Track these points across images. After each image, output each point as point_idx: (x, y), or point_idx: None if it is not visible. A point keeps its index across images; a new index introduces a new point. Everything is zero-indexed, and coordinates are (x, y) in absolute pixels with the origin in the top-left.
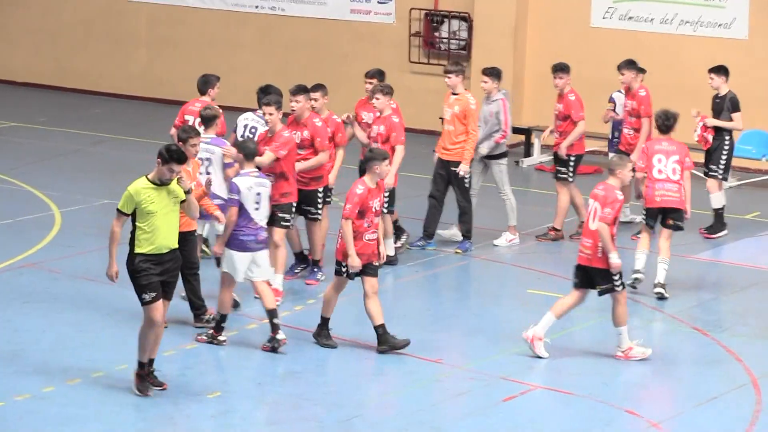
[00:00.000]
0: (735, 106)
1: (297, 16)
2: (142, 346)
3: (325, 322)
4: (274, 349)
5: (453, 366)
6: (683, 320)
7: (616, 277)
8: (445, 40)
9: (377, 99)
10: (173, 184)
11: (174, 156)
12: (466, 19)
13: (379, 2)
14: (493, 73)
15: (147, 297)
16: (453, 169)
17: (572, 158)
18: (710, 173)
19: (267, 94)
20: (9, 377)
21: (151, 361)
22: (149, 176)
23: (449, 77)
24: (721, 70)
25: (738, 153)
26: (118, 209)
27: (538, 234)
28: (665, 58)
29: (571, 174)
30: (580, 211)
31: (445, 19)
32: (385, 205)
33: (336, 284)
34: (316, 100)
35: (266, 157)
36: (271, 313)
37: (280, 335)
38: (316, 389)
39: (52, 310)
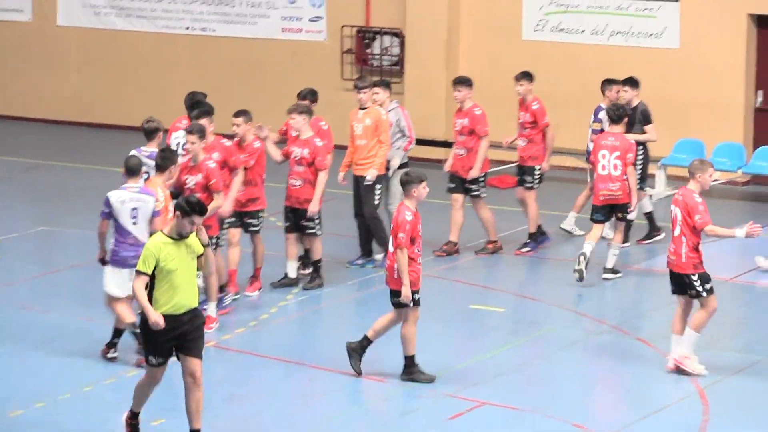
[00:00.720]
0: (647, 118)
1: (229, 37)
2: (138, 397)
3: (411, 360)
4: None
5: (396, 384)
6: (627, 332)
7: (698, 283)
8: (377, 56)
9: (293, 119)
10: (191, 238)
11: (195, 208)
12: (398, 34)
13: (310, 20)
14: (383, 83)
15: (153, 360)
16: (366, 183)
17: (481, 178)
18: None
19: (193, 110)
20: None
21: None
22: (165, 231)
23: (363, 92)
24: (632, 82)
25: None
26: (137, 270)
27: (477, 249)
28: (598, 69)
29: (483, 190)
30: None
31: (377, 36)
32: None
33: (413, 317)
34: (237, 125)
35: (239, 173)
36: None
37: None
38: (263, 412)
39: None
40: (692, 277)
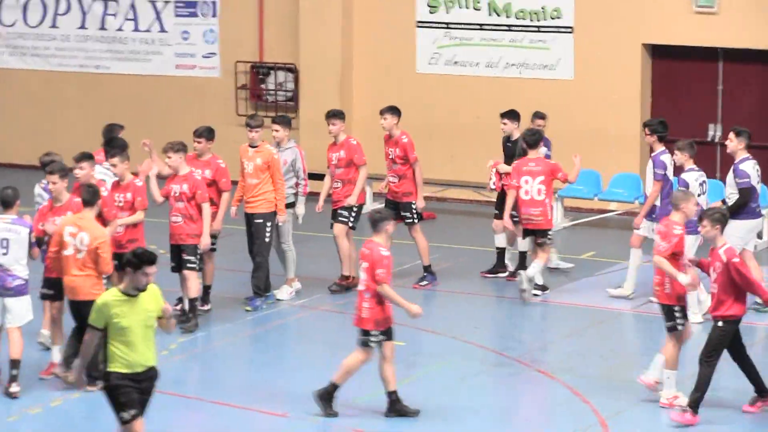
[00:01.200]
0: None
1: (122, 74)
2: None
3: (396, 395)
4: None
5: (300, 419)
6: (528, 363)
7: (678, 315)
8: (272, 92)
9: (169, 158)
10: (150, 292)
11: (144, 258)
12: (292, 69)
13: (203, 56)
14: (284, 121)
15: (127, 415)
16: (256, 221)
17: (355, 208)
18: (500, 215)
19: (109, 144)
20: None
21: None
22: (121, 286)
23: (255, 131)
24: (512, 115)
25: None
26: (89, 324)
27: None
28: (493, 101)
29: (353, 221)
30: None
31: (271, 71)
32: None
33: (389, 353)
34: (114, 165)
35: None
36: (13, 363)
37: (14, 388)
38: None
39: None
40: (670, 308)
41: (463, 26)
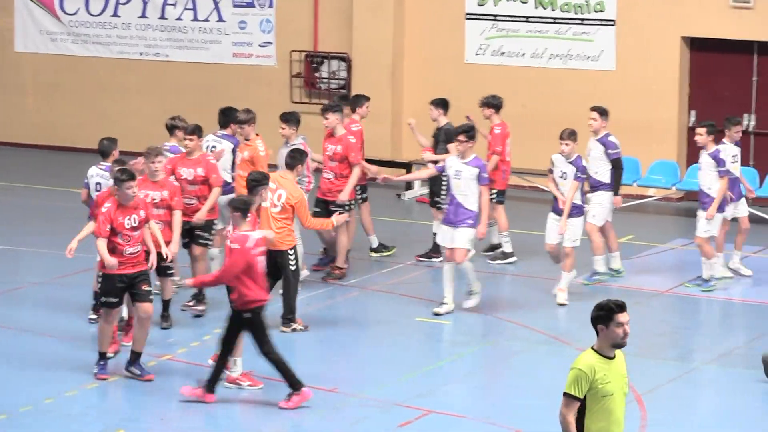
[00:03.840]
0: (449, 138)
1: (181, 62)
2: None
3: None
4: None
5: (348, 394)
6: (567, 341)
7: None
8: (325, 80)
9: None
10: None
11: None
12: (344, 59)
13: (260, 45)
14: (291, 119)
15: None
16: None
17: (347, 204)
18: (434, 203)
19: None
20: None
21: None
22: (595, 346)
23: (242, 128)
24: (440, 103)
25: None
26: (566, 393)
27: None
28: (538, 91)
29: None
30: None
31: (325, 60)
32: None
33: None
34: (191, 140)
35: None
36: None
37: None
38: (219, 422)
39: None
40: None
41: (510, 18)
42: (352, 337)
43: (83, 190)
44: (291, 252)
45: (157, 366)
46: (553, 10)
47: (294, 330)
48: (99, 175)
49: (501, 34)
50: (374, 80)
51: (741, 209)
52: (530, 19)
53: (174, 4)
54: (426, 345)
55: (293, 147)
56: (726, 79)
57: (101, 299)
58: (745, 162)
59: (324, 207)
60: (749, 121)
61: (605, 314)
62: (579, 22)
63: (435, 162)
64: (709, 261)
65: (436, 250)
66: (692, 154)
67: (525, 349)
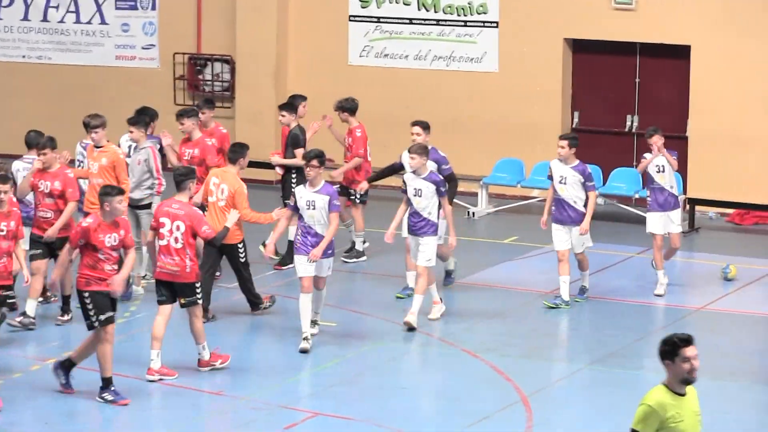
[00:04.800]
0: (296, 143)
1: (64, 64)
2: None
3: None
4: None
5: (234, 397)
6: (453, 343)
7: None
8: (209, 83)
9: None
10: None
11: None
12: (228, 61)
13: (143, 48)
14: (139, 122)
15: None
16: None
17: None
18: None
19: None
20: None
21: None
22: (665, 381)
23: (96, 132)
24: (288, 107)
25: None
26: (633, 430)
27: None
28: (421, 92)
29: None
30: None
31: (209, 62)
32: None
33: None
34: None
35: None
36: None
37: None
38: (104, 427)
39: None
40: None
41: (393, 20)
42: (235, 341)
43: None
44: (240, 246)
45: (42, 369)
46: (436, 12)
47: (265, 308)
48: (24, 168)
49: (384, 36)
50: (258, 82)
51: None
52: (414, 21)
53: (56, 7)
54: (313, 347)
55: (236, 143)
56: (609, 80)
57: (100, 318)
58: (628, 163)
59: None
60: (632, 122)
61: (670, 349)
62: (462, 24)
63: (282, 166)
64: (585, 272)
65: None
66: (575, 155)
67: (411, 350)
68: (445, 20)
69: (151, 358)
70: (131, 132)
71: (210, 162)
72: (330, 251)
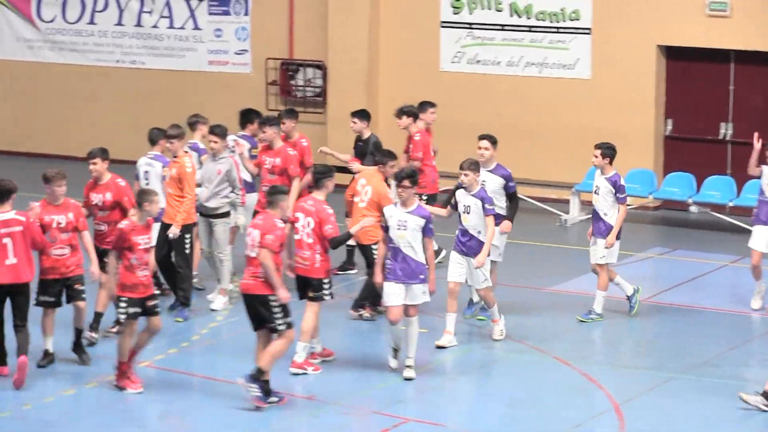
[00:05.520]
0: (379, 148)
1: (157, 69)
2: None
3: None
4: None
5: (326, 402)
6: (543, 350)
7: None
8: (301, 88)
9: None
10: None
11: None
12: (320, 67)
13: (236, 53)
14: (221, 133)
15: None
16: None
17: None
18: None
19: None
20: None
21: None
22: None
23: (172, 143)
24: (362, 115)
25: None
26: None
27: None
28: (513, 99)
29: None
30: None
31: (300, 68)
32: None
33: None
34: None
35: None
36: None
37: None
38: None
39: None
40: None
41: (485, 26)
42: (327, 346)
43: (135, 182)
44: (375, 246)
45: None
46: (528, 18)
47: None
48: (147, 164)
49: (476, 42)
50: (349, 88)
51: None
52: (506, 28)
53: (150, 12)
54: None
55: (386, 150)
56: (703, 87)
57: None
58: (722, 171)
59: None
60: (726, 129)
61: None
62: (554, 30)
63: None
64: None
65: (351, 262)
66: (669, 163)
67: (503, 357)
68: (538, 26)
69: (296, 351)
70: (215, 142)
71: (292, 172)
72: (423, 276)
